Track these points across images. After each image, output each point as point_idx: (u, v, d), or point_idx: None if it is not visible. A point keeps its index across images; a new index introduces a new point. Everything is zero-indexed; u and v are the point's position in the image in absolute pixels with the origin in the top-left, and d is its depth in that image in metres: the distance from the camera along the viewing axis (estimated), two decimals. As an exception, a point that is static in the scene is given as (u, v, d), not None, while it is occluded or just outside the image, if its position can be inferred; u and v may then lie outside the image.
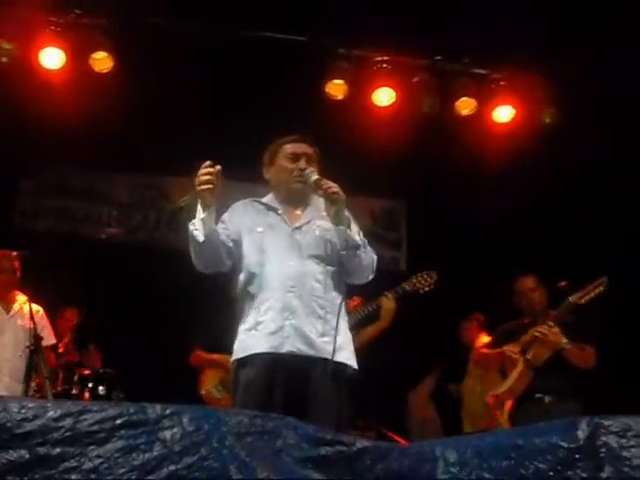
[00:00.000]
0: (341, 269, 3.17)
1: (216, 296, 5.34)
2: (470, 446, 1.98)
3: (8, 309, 5.10)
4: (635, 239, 6.23)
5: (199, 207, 3.06)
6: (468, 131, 6.59)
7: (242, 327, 3.18)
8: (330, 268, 3.17)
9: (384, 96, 6.62)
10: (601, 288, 4.47)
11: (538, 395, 4.62)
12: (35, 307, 4.87)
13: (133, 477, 1.64)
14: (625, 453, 1.95)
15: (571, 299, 4.53)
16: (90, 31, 6.41)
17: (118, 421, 1.74)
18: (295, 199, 3.31)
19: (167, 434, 1.72)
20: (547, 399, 4.59)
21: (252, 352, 3.08)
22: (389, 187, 7.75)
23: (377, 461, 1.84)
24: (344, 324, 3.20)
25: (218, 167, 3.03)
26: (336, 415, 3.02)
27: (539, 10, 5.59)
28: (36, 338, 4.69)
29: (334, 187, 3.08)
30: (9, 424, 1.71)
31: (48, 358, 4.94)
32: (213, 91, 6.76)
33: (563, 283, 4.63)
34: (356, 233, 3.13)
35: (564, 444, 1.94)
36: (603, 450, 1.96)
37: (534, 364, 4.63)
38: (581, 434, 1.98)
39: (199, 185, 3.02)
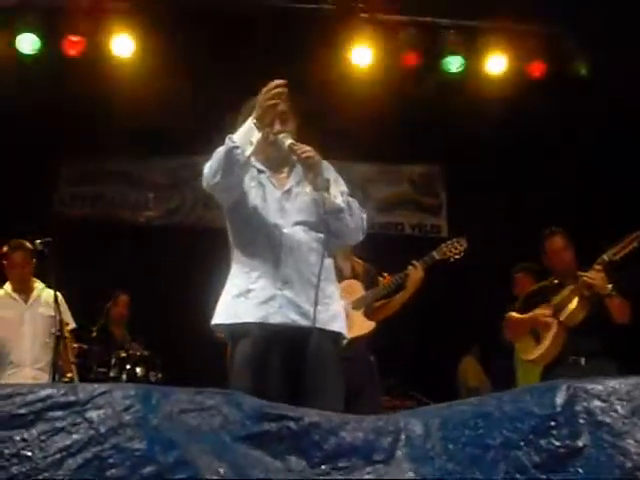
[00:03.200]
0: (330, 233, 3.03)
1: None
2: (437, 416, 1.84)
3: (26, 299, 5.12)
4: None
5: (252, 125, 2.87)
6: (499, 88, 6.34)
7: (231, 290, 3.03)
8: (320, 235, 3.03)
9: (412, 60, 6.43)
10: (635, 243, 4.22)
11: (573, 357, 4.40)
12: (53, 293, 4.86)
13: (54, 460, 1.55)
14: (607, 419, 1.78)
15: (605, 256, 4.29)
16: (113, 15, 6.40)
17: (48, 402, 1.66)
18: (275, 164, 3.15)
19: (94, 414, 1.63)
20: (583, 361, 4.37)
21: (242, 321, 2.95)
22: (425, 152, 7.54)
23: (328, 436, 1.71)
24: (336, 291, 3.09)
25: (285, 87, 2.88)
26: (339, 383, 2.94)
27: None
28: (61, 324, 4.70)
29: (308, 151, 2.93)
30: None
31: (72, 343, 4.94)
32: (239, 65, 6.66)
33: None
34: (338, 195, 2.98)
35: (538, 411, 1.78)
36: (583, 416, 1.79)
37: (568, 325, 4.41)
38: (559, 400, 1.81)
39: (266, 100, 2.85)
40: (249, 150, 2.89)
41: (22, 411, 1.65)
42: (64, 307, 4.91)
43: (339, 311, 3.07)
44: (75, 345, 5.23)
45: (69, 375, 4.77)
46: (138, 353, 6.00)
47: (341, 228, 3.02)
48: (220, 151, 2.93)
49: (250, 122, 2.89)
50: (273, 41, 6.54)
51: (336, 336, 3.01)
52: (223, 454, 1.60)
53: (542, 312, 4.52)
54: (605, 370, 4.14)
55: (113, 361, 5.84)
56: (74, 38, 6.31)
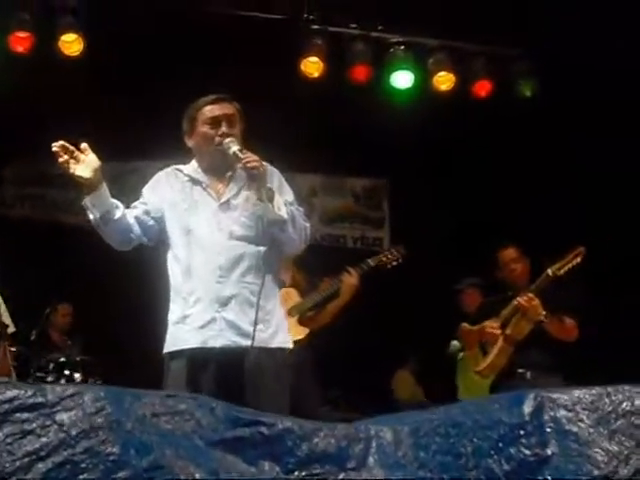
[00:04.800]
0: (272, 244, 2.97)
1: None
2: (408, 424, 1.84)
3: None
4: (615, 207, 6.11)
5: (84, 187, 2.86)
6: (447, 106, 6.43)
7: (170, 317, 2.97)
8: (261, 248, 2.95)
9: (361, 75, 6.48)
10: (579, 259, 4.32)
11: (519, 370, 4.48)
12: None
13: (23, 464, 1.50)
14: (573, 428, 1.81)
15: (549, 271, 4.38)
16: (60, 13, 6.26)
17: (15, 403, 1.60)
18: (219, 169, 3.05)
19: (65, 417, 1.58)
20: (529, 374, 4.45)
21: (182, 348, 2.89)
22: (369, 165, 7.61)
23: (300, 442, 1.70)
24: (277, 305, 3.04)
25: (62, 144, 2.81)
26: (278, 401, 2.87)
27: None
28: (2, 326, 4.57)
29: (254, 160, 2.85)
30: None
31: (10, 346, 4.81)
32: (192, 73, 6.60)
33: None
34: (282, 206, 2.89)
35: (507, 419, 1.81)
36: (550, 425, 1.82)
37: (515, 338, 4.49)
38: (527, 409, 1.84)
39: (63, 170, 2.82)
40: (93, 213, 2.88)
41: (-13, 412, 1.59)
42: (3, 308, 4.77)
43: (280, 325, 3.02)
44: (13, 349, 5.09)
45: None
46: (77, 358, 5.87)
47: (283, 239, 2.96)
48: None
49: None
50: (220, 50, 6.51)
51: (277, 352, 2.96)
52: (198, 459, 1.57)
53: (490, 325, 4.59)
54: (550, 383, 4.23)
55: (51, 366, 5.71)
56: (22, 34, 6.15)
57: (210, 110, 3.03)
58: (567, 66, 5.93)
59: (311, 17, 6.45)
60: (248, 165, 2.85)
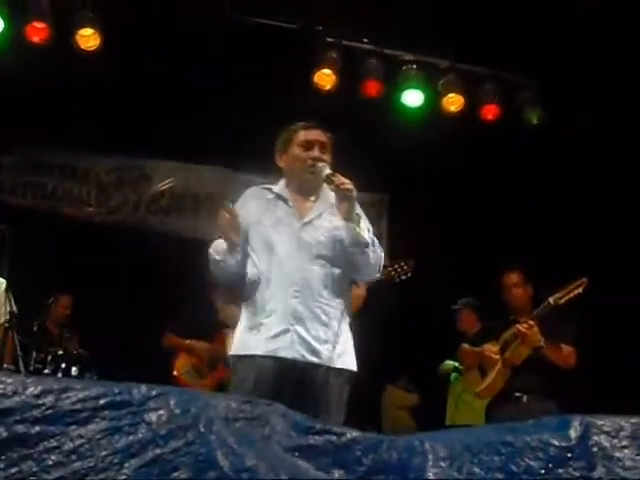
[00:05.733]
0: (348, 268, 3.13)
1: (193, 282, 5.30)
2: (458, 441, 1.94)
3: None
4: (618, 239, 6.26)
5: (225, 242, 3.11)
6: (454, 127, 6.56)
7: (244, 324, 3.15)
8: (337, 270, 3.11)
9: (373, 90, 6.59)
10: (580, 290, 4.45)
11: (517, 394, 4.60)
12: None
13: (116, 460, 1.57)
14: (617, 454, 1.92)
15: (551, 299, 4.51)
16: (77, 7, 6.29)
17: (102, 401, 1.67)
18: (307, 189, 3.23)
19: (152, 416, 1.65)
20: (525, 398, 4.57)
21: (252, 352, 3.06)
22: (371, 180, 7.69)
23: (367, 452, 1.79)
24: (346, 327, 3.17)
25: (233, 210, 3.07)
26: (335, 418, 3.02)
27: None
28: (12, 315, 4.58)
29: (347, 183, 3.01)
30: (-14, 400, 1.64)
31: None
32: (198, 74, 6.66)
33: None
34: (365, 230, 3.07)
35: (556, 442, 1.90)
36: (595, 449, 1.92)
37: (513, 363, 4.61)
38: (573, 433, 1.94)
39: (222, 231, 3.07)
40: (224, 261, 3.11)
41: (77, 407, 1.65)
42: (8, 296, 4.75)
43: (347, 346, 3.15)
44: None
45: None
46: (74, 352, 5.88)
47: (363, 263, 3.09)
48: (210, 256, 3.16)
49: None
50: (235, 58, 6.58)
51: (342, 372, 3.10)
52: (277, 463, 1.65)
53: (490, 348, 4.70)
54: (545, 408, 4.36)
55: (49, 358, 5.71)
56: (38, 25, 6.18)
57: (305, 134, 3.21)
58: (575, 95, 6.08)
59: (326, 29, 6.56)
60: (342, 187, 3.00)
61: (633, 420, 2.02)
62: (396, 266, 4.96)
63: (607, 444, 1.93)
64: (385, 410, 7.34)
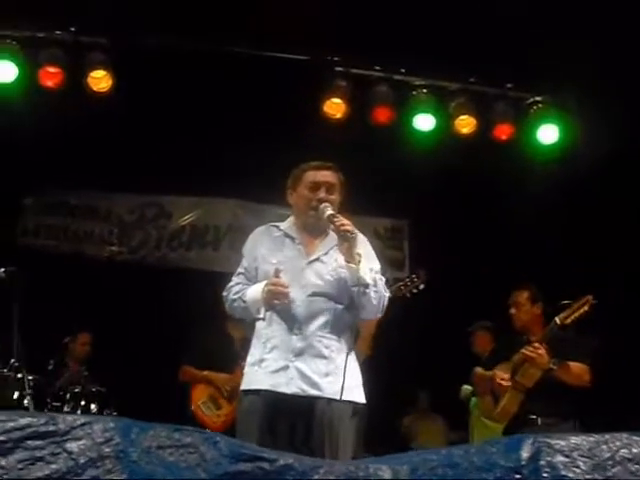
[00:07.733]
0: (351, 305, 3.18)
1: (212, 314, 5.31)
2: (406, 463, 1.89)
3: None
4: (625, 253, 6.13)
5: (259, 299, 3.21)
6: (468, 149, 6.52)
7: (249, 360, 3.25)
8: (339, 306, 3.18)
9: (383, 116, 6.58)
10: (586, 307, 4.33)
11: (531, 417, 4.48)
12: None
13: (33, 489, 1.56)
14: (570, 474, 1.84)
15: (557, 319, 4.41)
16: (89, 49, 6.44)
17: (27, 431, 1.67)
18: (313, 228, 3.30)
19: (74, 446, 1.64)
20: (540, 421, 4.45)
21: (256, 387, 3.14)
22: (390, 206, 7.67)
23: (300, 479, 1.75)
24: (352, 360, 3.19)
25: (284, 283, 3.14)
26: (340, 450, 3.04)
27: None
28: (21, 355, 4.65)
29: (346, 225, 3.07)
30: None
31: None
32: (212, 110, 6.75)
33: None
34: (367, 271, 3.12)
35: (503, 463, 1.84)
36: (547, 470, 1.85)
37: (525, 386, 4.49)
38: (524, 453, 1.88)
39: (270, 297, 3.14)
40: (255, 312, 3.22)
41: (2, 438, 1.65)
42: None
43: (353, 379, 3.17)
44: (30, 377, 5.15)
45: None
46: (93, 389, 5.93)
47: (364, 302, 3.14)
48: (233, 300, 3.27)
49: (260, 296, 3.18)
50: (245, 89, 6.65)
51: (345, 404, 3.12)
52: (200, 491, 1.62)
53: (500, 375, 4.59)
54: (564, 429, 4.24)
55: (68, 396, 5.77)
56: (52, 69, 6.34)
57: (313, 175, 3.29)
58: (588, 114, 6.00)
59: (335, 59, 6.59)
60: (341, 228, 3.07)
61: (592, 437, 1.95)
62: (407, 280, 4.84)
63: (560, 465, 1.86)
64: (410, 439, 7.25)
